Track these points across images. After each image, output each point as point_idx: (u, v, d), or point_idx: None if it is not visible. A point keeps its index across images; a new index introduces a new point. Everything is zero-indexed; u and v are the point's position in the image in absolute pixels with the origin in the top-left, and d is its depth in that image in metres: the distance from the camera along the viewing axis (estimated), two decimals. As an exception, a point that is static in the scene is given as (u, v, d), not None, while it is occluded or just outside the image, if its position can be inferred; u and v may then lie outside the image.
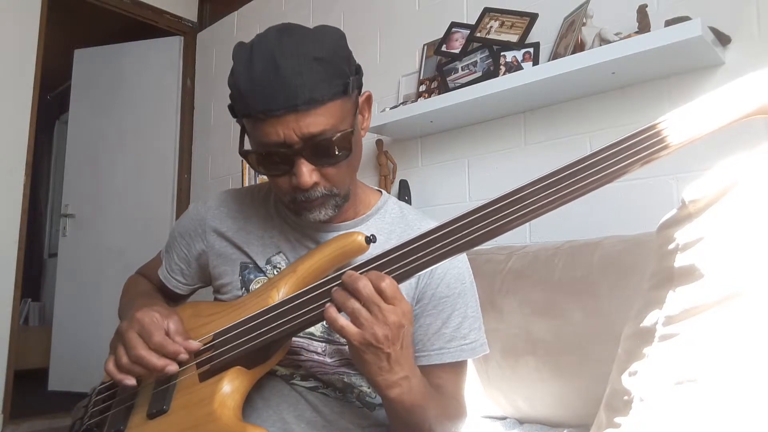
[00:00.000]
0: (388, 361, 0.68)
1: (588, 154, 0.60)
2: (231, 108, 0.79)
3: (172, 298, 1.02)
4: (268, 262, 0.89)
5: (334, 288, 0.69)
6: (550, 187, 0.61)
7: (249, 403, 0.82)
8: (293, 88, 0.71)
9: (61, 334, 3.48)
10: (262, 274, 0.88)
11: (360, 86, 0.82)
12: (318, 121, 0.72)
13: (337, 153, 0.75)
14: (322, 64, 0.73)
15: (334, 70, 0.74)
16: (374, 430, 0.88)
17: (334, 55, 0.75)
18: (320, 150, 0.74)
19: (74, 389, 3.20)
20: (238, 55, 0.76)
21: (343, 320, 0.67)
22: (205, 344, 0.78)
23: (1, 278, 2.70)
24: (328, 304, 0.69)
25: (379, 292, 0.66)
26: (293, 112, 0.71)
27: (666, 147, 0.57)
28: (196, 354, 0.78)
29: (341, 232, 0.84)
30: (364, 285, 0.66)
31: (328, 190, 0.78)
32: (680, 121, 0.57)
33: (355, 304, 0.66)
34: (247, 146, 0.80)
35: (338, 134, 0.74)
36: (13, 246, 2.74)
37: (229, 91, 0.77)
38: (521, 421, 1.31)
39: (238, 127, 0.83)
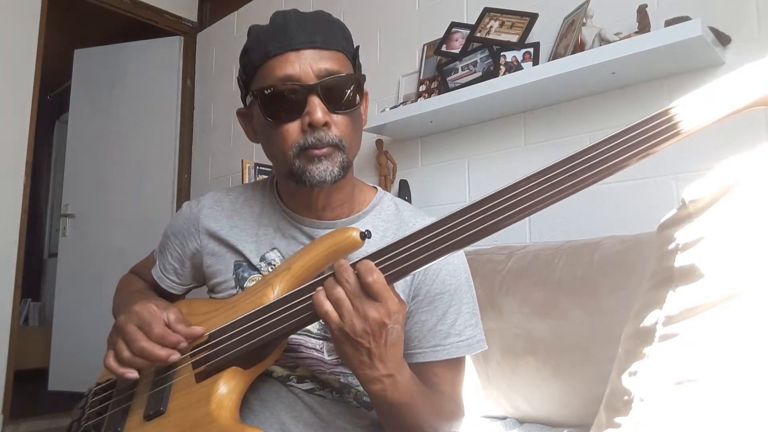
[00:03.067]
0: (368, 356, 0.68)
1: (587, 147, 0.59)
2: (241, 77, 0.86)
3: (166, 298, 1.01)
4: (263, 258, 0.88)
5: (329, 276, 0.69)
6: (550, 180, 0.60)
7: (246, 405, 0.82)
8: (313, 28, 0.79)
9: (61, 334, 3.48)
10: (256, 272, 0.88)
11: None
12: (334, 62, 0.79)
13: (348, 98, 0.79)
14: (335, 25, 0.83)
15: (345, 34, 0.84)
16: (371, 430, 0.88)
17: (345, 31, 0.85)
18: (334, 90, 0.78)
19: (74, 389, 3.19)
20: (257, 25, 0.84)
21: (328, 305, 0.67)
22: (201, 344, 0.78)
23: (1, 278, 2.70)
24: (318, 289, 0.69)
25: (365, 286, 0.65)
26: (311, 47, 0.78)
27: (667, 139, 0.56)
28: (192, 354, 0.78)
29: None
30: (349, 276, 0.66)
31: (338, 139, 0.79)
32: (681, 113, 0.56)
33: (340, 293, 0.66)
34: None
35: (351, 75, 0.80)
36: (13, 246, 2.75)
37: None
38: (521, 421, 1.31)
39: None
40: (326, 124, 0.77)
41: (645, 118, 0.58)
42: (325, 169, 0.78)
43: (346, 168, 0.81)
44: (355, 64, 0.84)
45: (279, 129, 0.79)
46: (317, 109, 0.76)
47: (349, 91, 0.79)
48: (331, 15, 0.84)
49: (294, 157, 0.79)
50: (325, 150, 0.78)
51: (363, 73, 0.87)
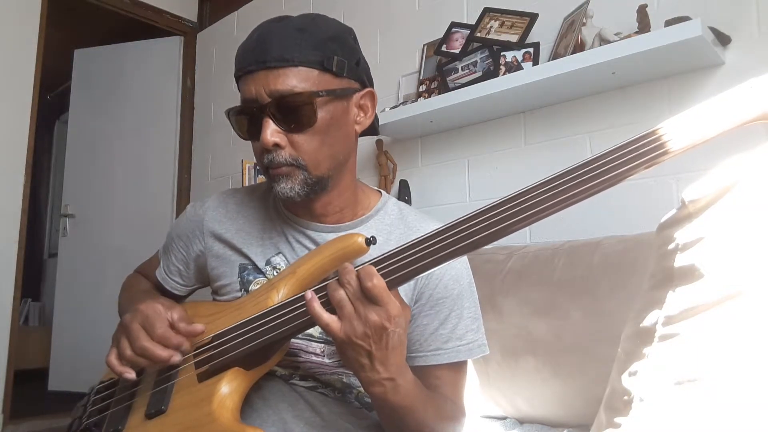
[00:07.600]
0: (369, 359, 0.68)
1: (590, 158, 0.60)
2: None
3: (171, 299, 1.01)
4: (268, 263, 0.88)
5: (332, 280, 0.69)
6: (553, 190, 0.61)
7: (248, 403, 0.82)
8: (267, 47, 0.76)
9: (61, 334, 3.48)
10: (261, 275, 0.88)
11: (361, 80, 0.84)
12: (287, 81, 0.75)
13: (303, 116, 0.77)
14: (303, 34, 0.77)
15: (313, 41, 0.77)
16: (373, 431, 0.88)
17: (321, 31, 0.79)
18: (284, 110, 0.76)
19: (74, 389, 3.19)
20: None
21: (326, 317, 0.67)
22: (204, 345, 0.78)
23: (1, 278, 2.70)
24: (310, 297, 0.69)
25: (365, 290, 0.65)
26: (263, 68, 0.76)
27: (667, 152, 0.57)
28: (194, 354, 0.78)
29: (341, 234, 0.84)
30: (351, 279, 0.66)
31: (294, 158, 0.78)
32: (682, 126, 0.57)
33: (342, 296, 0.66)
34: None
35: (303, 93, 0.76)
36: (13, 246, 2.74)
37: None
38: (521, 421, 1.31)
39: None
40: (277, 145, 0.77)
41: (651, 129, 0.58)
42: (285, 186, 0.79)
43: (313, 185, 0.81)
44: (334, 71, 0.78)
45: (253, 146, 0.82)
46: (266, 132, 0.76)
47: (304, 109, 0.76)
48: (312, 23, 0.79)
49: (263, 172, 0.82)
50: (282, 169, 0.79)
51: (368, 69, 0.86)
